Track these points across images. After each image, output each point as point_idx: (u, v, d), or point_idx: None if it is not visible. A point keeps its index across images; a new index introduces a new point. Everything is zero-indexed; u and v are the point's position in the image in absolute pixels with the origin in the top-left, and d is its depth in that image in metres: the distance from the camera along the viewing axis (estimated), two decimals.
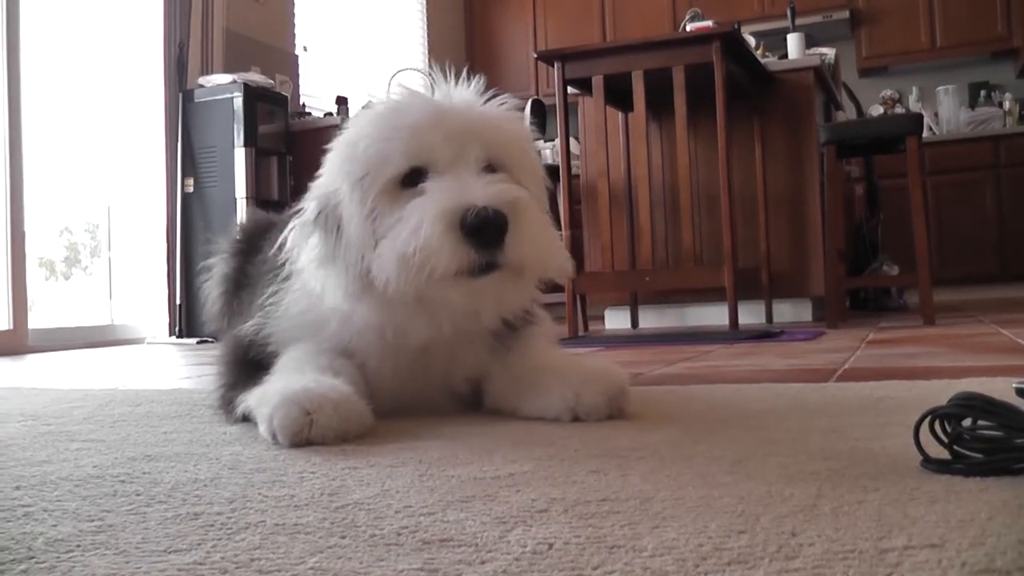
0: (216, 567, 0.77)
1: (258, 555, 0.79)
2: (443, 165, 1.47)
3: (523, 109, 1.66)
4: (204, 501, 1.01)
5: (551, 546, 0.78)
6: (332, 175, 1.56)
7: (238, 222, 2.18)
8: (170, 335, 5.76)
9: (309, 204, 1.58)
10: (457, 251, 1.38)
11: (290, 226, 1.61)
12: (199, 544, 0.84)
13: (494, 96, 1.61)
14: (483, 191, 1.41)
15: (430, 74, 1.60)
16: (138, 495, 1.05)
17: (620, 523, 0.85)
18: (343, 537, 0.84)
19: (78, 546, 0.85)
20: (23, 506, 1.02)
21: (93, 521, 0.94)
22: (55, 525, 0.93)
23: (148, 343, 5.63)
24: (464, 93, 1.59)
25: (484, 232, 1.38)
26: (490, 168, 1.52)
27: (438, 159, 1.48)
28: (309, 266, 1.56)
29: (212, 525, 0.90)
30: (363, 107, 1.66)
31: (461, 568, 0.74)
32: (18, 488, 1.12)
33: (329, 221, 1.53)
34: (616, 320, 5.61)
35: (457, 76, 1.60)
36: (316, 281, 1.55)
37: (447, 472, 1.12)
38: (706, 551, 0.75)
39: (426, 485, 1.05)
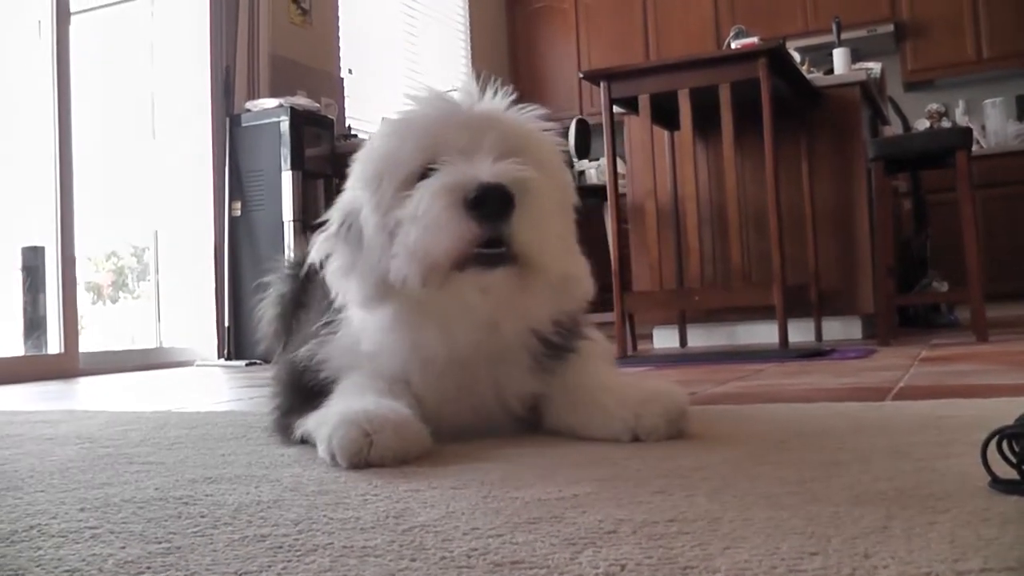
0: None
1: None
2: (456, 154, 1.44)
3: (552, 123, 1.61)
4: (269, 523, 1.01)
5: (623, 567, 0.78)
6: (353, 185, 1.57)
7: (300, 246, 2.18)
8: (219, 357, 5.80)
9: (333, 216, 1.58)
10: (459, 225, 1.36)
11: (314, 239, 1.61)
12: (269, 566, 0.83)
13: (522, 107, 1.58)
14: (489, 168, 1.39)
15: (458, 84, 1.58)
16: (203, 517, 1.06)
17: (690, 544, 0.84)
18: (413, 560, 0.83)
19: (148, 568, 0.85)
20: (89, 528, 1.03)
21: (160, 543, 0.94)
22: (123, 547, 0.93)
23: (197, 365, 5.67)
24: (487, 96, 1.56)
25: (487, 203, 1.35)
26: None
27: (451, 150, 1.44)
28: (332, 277, 1.56)
29: (280, 547, 0.90)
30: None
31: None
32: (82, 510, 1.13)
33: (351, 232, 1.52)
34: (664, 339, 5.58)
35: (485, 85, 1.57)
36: (339, 292, 1.55)
37: (510, 494, 1.11)
38: (780, 573, 0.75)
39: (491, 507, 1.04)
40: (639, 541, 0.86)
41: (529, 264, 1.42)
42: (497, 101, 1.56)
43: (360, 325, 1.58)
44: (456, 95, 1.56)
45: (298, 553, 0.87)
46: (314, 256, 1.60)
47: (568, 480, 1.18)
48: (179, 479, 1.34)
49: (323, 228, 1.61)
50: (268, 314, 2.15)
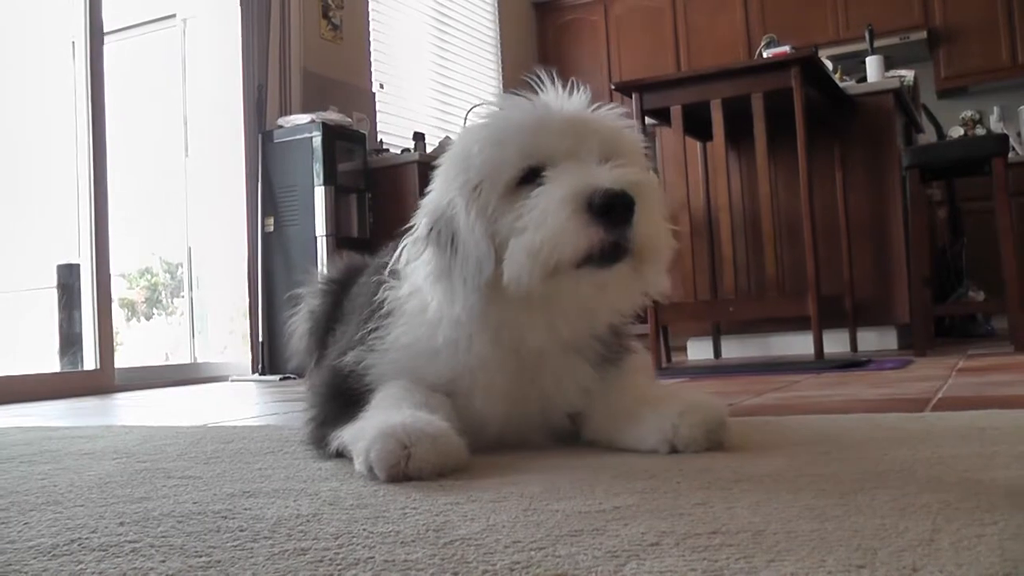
0: None
1: None
2: (561, 158, 1.46)
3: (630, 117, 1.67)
4: (309, 537, 1.00)
5: None
6: (444, 188, 1.56)
7: (332, 263, 2.18)
8: (253, 372, 5.82)
9: (420, 220, 1.58)
10: (587, 232, 1.38)
11: (402, 243, 1.62)
12: None
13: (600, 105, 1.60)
14: (608, 174, 1.41)
15: (533, 81, 1.59)
16: (242, 531, 1.05)
17: (735, 556, 0.83)
18: (455, 573, 0.83)
19: None
20: (129, 542, 1.03)
21: (201, 557, 0.94)
22: (163, 560, 0.93)
23: (232, 380, 5.69)
24: (572, 98, 1.57)
25: (614, 210, 1.38)
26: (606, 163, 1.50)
27: (555, 153, 1.47)
28: (424, 282, 1.56)
29: (321, 561, 0.89)
30: (447, 135, 1.66)
31: None
32: (122, 524, 1.13)
33: (443, 235, 1.52)
34: (698, 351, 5.56)
35: (564, 85, 1.59)
36: (431, 296, 1.55)
37: (551, 506, 1.10)
38: None
39: (531, 520, 1.03)
40: (682, 553, 0.85)
41: (644, 259, 1.46)
42: (581, 100, 1.58)
43: (434, 318, 1.58)
44: (545, 97, 1.56)
45: (339, 567, 0.87)
46: (404, 258, 1.62)
47: (608, 492, 1.17)
48: (217, 493, 1.34)
49: (410, 232, 1.61)
50: (299, 329, 2.15)
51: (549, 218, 1.39)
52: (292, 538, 1.00)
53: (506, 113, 1.57)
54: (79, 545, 1.02)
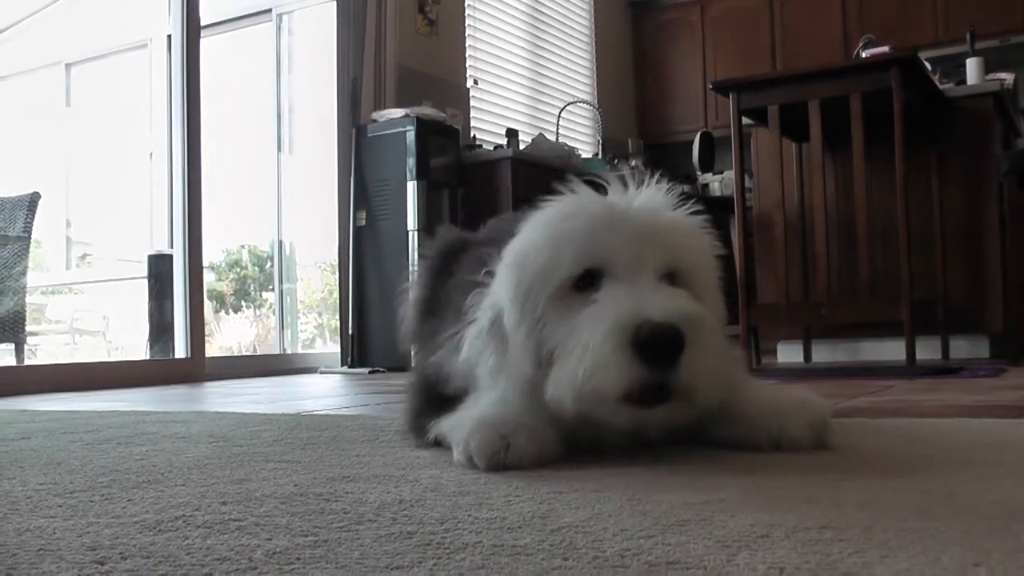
0: None
1: (483, 575, 0.79)
2: (620, 269, 1.39)
3: (699, 216, 1.53)
4: (414, 521, 1.01)
5: (782, 571, 0.76)
6: (502, 284, 1.50)
7: (429, 239, 2.13)
8: (342, 365, 5.88)
9: (484, 313, 1.53)
10: (629, 370, 1.28)
11: (468, 335, 1.56)
12: (420, 562, 0.84)
13: (677, 201, 1.51)
14: (661, 304, 1.31)
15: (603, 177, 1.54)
16: (346, 513, 1.06)
17: (847, 551, 0.82)
18: (566, 559, 0.83)
19: (298, 559, 0.86)
20: (234, 520, 1.04)
21: (307, 536, 0.95)
22: (269, 539, 0.94)
23: (321, 372, 5.75)
24: (643, 194, 1.50)
25: (659, 350, 1.28)
26: (669, 277, 1.43)
27: (615, 262, 1.39)
28: (484, 376, 1.52)
29: (428, 544, 0.90)
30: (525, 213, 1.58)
31: None
32: (224, 503, 1.15)
33: (499, 332, 1.48)
34: (788, 354, 5.49)
35: (639, 180, 1.53)
36: (492, 391, 1.51)
37: (655, 497, 1.10)
38: None
39: (637, 509, 1.03)
40: (794, 546, 0.84)
41: (691, 399, 1.35)
42: (650, 194, 1.50)
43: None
44: (611, 195, 1.50)
45: (448, 550, 0.87)
46: (467, 352, 1.55)
47: (712, 486, 1.17)
48: (317, 477, 1.35)
49: (473, 324, 1.56)
50: (409, 312, 2.07)
51: (592, 348, 1.31)
52: (397, 522, 1.01)
53: (568, 211, 1.48)
54: (183, 522, 1.04)
